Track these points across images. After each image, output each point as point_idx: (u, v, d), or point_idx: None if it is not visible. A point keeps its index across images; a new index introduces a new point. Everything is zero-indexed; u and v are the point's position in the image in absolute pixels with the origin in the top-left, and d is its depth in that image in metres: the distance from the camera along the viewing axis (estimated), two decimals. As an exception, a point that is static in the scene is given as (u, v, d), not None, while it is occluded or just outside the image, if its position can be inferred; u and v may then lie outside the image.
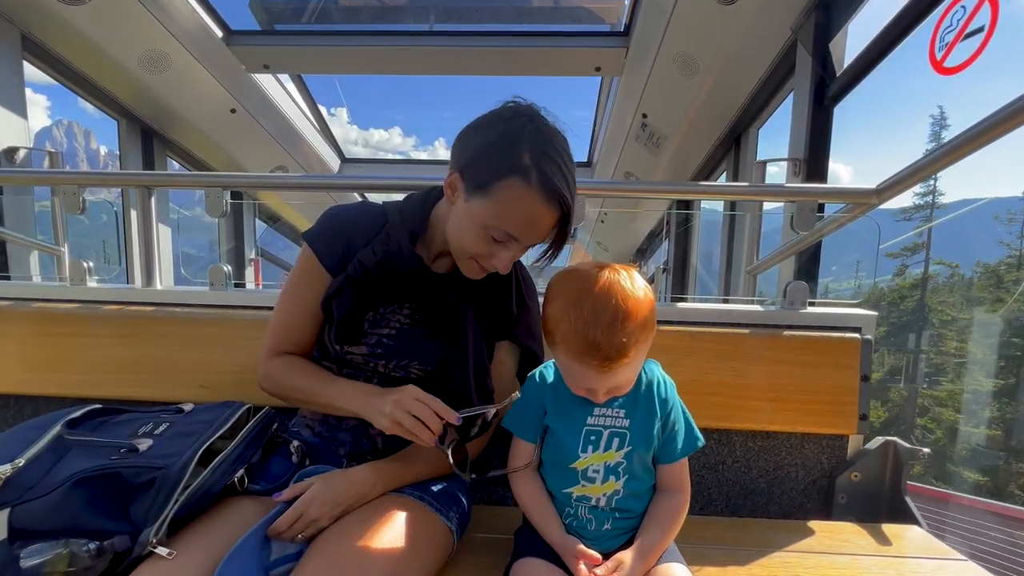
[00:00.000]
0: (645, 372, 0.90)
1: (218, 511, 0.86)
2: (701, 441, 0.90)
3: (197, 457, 0.85)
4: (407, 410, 0.83)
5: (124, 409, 1.03)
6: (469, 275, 0.95)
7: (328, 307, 0.96)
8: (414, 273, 0.95)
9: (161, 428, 0.94)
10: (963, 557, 1.05)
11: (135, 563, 0.76)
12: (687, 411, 0.91)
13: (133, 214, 2.71)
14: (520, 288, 1.06)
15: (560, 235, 0.91)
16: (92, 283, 1.43)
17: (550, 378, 0.92)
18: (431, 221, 0.99)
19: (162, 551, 0.73)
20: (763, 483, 1.32)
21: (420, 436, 0.83)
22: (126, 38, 2.40)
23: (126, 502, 0.79)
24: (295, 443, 0.99)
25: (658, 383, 0.89)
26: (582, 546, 0.83)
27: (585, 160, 4.76)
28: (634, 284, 0.78)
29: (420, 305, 0.98)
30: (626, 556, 0.81)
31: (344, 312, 0.94)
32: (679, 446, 0.89)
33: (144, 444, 0.87)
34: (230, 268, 1.36)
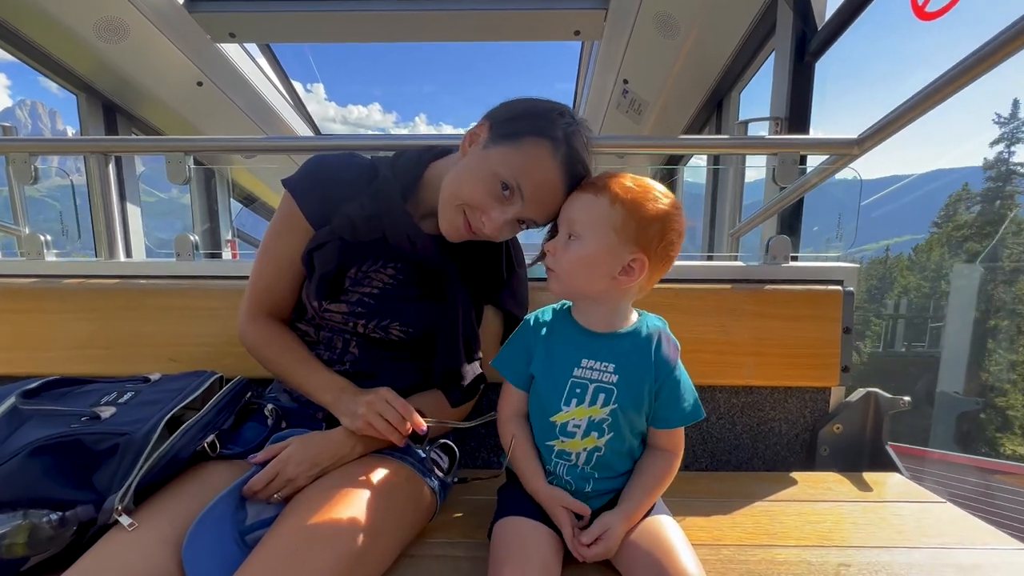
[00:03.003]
0: (647, 325, 0.86)
1: (189, 477, 0.83)
2: (702, 413, 0.86)
3: (163, 423, 0.81)
4: (379, 413, 0.84)
5: (87, 380, 0.99)
6: (448, 231, 0.89)
7: (310, 261, 0.92)
8: (404, 231, 0.91)
9: (126, 397, 0.91)
10: (943, 500, 1.06)
11: (101, 532, 0.73)
12: (690, 380, 0.86)
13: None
14: (510, 253, 1.04)
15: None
16: (51, 257, 1.36)
17: (545, 324, 0.89)
18: (423, 180, 0.95)
19: (124, 520, 0.70)
20: (747, 438, 1.32)
21: (391, 438, 0.85)
22: (78, 3, 2.26)
23: (89, 470, 0.76)
24: (269, 406, 0.96)
25: (658, 342, 0.85)
26: (569, 497, 0.82)
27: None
28: (670, 194, 0.81)
29: (408, 265, 0.95)
30: (612, 520, 0.79)
31: (327, 268, 0.91)
32: (677, 414, 0.85)
33: (107, 412, 0.84)
34: (196, 237, 1.31)
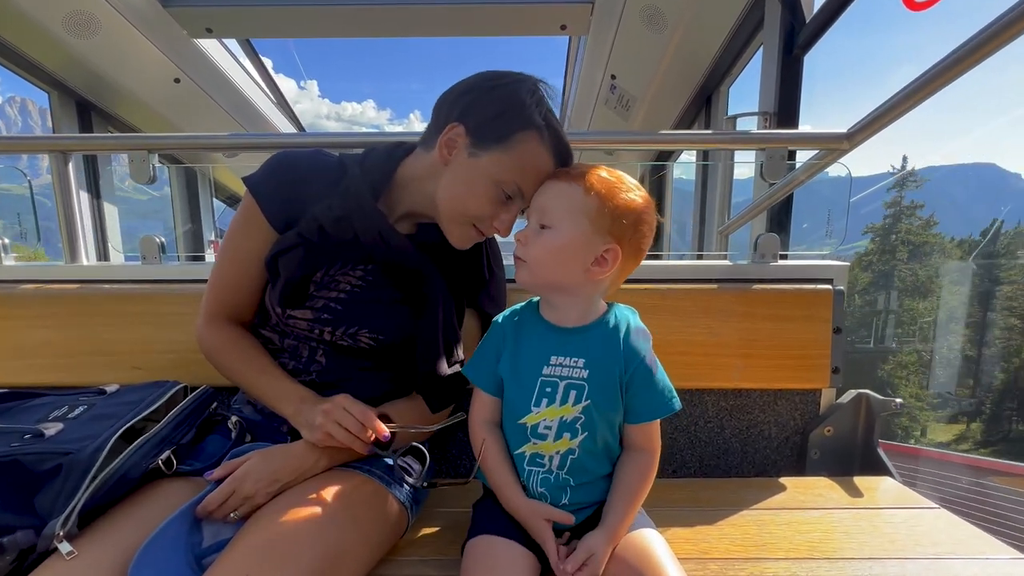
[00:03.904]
0: (615, 315, 0.82)
1: (142, 497, 0.78)
2: (677, 404, 0.80)
3: (114, 440, 0.75)
4: (337, 421, 0.79)
5: (37, 393, 0.93)
6: (459, 243, 0.89)
7: (274, 266, 0.87)
8: (376, 229, 0.86)
9: (77, 411, 0.85)
10: (935, 505, 1.03)
11: (44, 559, 0.67)
12: (663, 370, 0.82)
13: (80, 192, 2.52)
14: (489, 252, 1.00)
15: None
16: (9, 261, 1.30)
17: (513, 323, 0.84)
18: (396, 179, 0.90)
19: (64, 547, 0.65)
20: (736, 443, 1.29)
21: (354, 448, 0.80)
22: (45, -4, 2.19)
23: (30, 492, 0.71)
24: (234, 419, 0.91)
25: (627, 330, 0.80)
26: (551, 507, 0.78)
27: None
28: (647, 195, 0.79)
29: (379, 267, 0.90)
30: (596, 543, 0.73)
31: (292, 273, 0.86)
32: (649, 407, 0.80)
33: (53, 428, 0.78)
34: (162, 239, 1.25)
